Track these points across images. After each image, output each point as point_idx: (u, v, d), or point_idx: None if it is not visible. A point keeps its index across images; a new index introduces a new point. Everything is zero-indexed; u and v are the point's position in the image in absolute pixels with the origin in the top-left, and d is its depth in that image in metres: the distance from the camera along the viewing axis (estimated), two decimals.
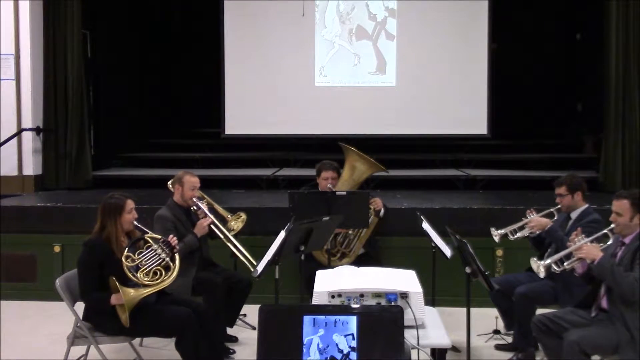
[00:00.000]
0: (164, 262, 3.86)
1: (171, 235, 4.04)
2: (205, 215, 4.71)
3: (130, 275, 3.76)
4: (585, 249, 3.65)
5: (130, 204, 3.95)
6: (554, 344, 3.72)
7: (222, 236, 4.76)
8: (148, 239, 3.92)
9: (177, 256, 3.93)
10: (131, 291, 3.69)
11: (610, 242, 3.75)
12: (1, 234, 6.06)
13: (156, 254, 3.87)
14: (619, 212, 3.67)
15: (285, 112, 8.98)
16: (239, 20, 9.01)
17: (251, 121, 9.01)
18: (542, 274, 3.81)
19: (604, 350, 3.60)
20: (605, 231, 3.79)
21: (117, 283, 3.64)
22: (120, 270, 3.74)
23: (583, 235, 3.78)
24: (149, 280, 3.79)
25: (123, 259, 3.77)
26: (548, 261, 3.79)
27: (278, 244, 3.85)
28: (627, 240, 3.69)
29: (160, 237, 3.97)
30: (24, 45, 7.23)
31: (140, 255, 3.84)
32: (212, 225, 4.72)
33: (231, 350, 4.68)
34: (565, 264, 3.77)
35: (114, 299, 3.73)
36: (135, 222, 3.96)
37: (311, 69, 8.96)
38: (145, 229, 3.98)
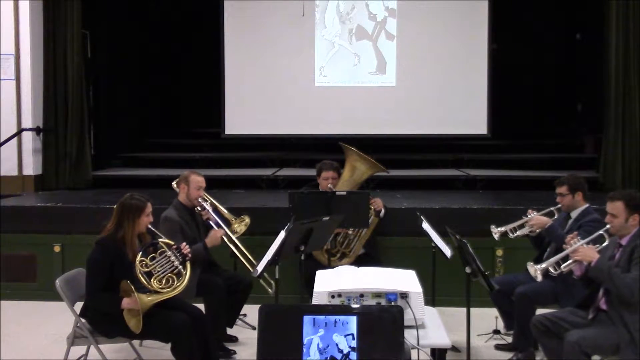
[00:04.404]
0: (176, 269, 3.82)
1: (184, 244, 3.98)
2: (218, 225, 4.73)
3: (142, 279, 3.70)
4: (582, 251, 3.64)
5: (149, 207, 3.90)
6: (553, 344, 3.72)
7: (226, 239, 4.75)
8: (162, 244, 3.86)
9: (188, 264, 3.88)
10: (147, 298, 3.64)
11: (606, 243, 3.74)
12: (1, 234, 6.06)
13: (169, 261, 3.82)
14: (614, 214, 3.67)
15: (285, 112, 8.98)
16: (239, 20, 9.01)
17: (251, 121, 9.01)
18: (539, 278, 3.80)
19: (604, 350, 3.59)
20: (600, 232, 3.78)
21: (132, 287, 3.57)
22: (131, 273, 3.69)
23: (579, 238, 3.78)
24: (160, 287, 3.73)
25: (137, 263, 3.71)
26: (544, 265, 3.77)
27: (278, 244, 3.85)
28: (624, 241, 3.69)
29: (172, 243, 3.91)
30: (24, 45, 7.23)
31: (154, 262, 3.78)
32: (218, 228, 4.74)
33: (232, 351, 4.67)
34: (562, 266, 3.76)
35: (125, 303, 3.66)
36: (149, 226, 3.92)
37: (311, 69, 8.96)
38: (157, 233, 3.93)
